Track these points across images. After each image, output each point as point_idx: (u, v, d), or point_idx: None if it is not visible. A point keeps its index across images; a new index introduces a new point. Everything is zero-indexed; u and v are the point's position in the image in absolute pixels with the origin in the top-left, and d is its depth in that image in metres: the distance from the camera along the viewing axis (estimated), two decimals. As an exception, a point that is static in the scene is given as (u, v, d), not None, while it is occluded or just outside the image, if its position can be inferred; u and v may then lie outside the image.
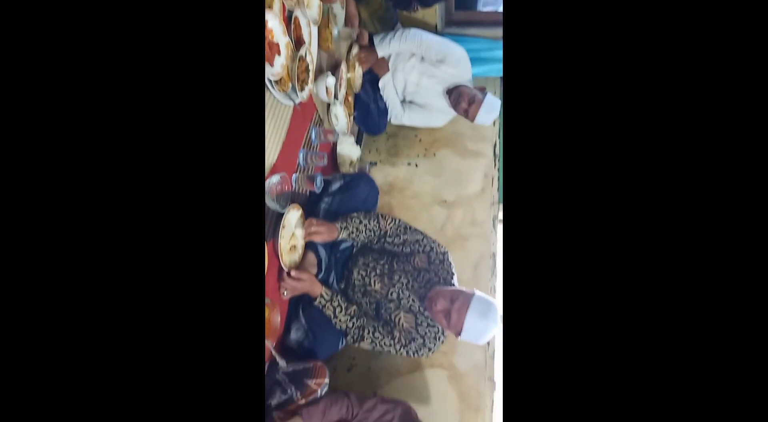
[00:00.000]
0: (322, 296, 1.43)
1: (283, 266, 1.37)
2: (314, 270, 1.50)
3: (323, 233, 1.43)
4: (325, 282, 1.51)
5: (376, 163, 2.22)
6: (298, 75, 1.37)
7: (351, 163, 1.83)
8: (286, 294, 1.39)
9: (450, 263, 1.51)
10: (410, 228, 1.55)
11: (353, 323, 1.44)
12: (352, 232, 1.49)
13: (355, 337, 1.45)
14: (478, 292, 1.36)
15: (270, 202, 1.32)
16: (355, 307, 1.47)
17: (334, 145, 1.80)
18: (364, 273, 1.52)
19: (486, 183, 2.20)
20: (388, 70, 2.02)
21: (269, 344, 1.28)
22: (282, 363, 1.32)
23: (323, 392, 1.37)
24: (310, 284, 1.41)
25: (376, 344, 1.44)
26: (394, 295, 1.47)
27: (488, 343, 1.77)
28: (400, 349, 1.43)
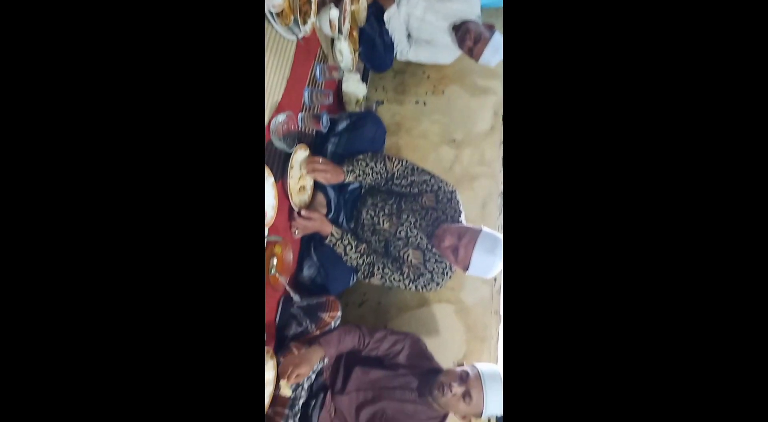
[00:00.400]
0: (332, 235, 1.46)
1: (293, 206, 1.39)
2: (324, 211, 1.53)
3: (328, 172, 1.43)
4: (334, 221, 1.54)
5: (382, 102, 2.17)
6: (300, 7, 1.31)
7: (357, 101, 1.80)
8: (298, 234, 1.43)
9: (458, 202, 1.52)
10: (418, 169, 1.54)
11: (363, 260, 1.48)
12: (359, 175, 1.50)
13: (365, 273, 1.50)
14: (485, 228, 1.37)
15: (277, 142, 1.32)
16: (364, 245, 1.50)
17: (340, 82, 1.75)
18: (372, 213, 1.54)
19: (495, 121, 2.15)
20: (393, 1, 1.92)
21: (283, 280, 1.33)
22: (296, 297, 1.38)
23: (336, 325, 1.44)
24: (320, 223, 1.44)
25: (386, 279, 1.49)
26: (403, 234, 1.50)
27: (495, 279, 1.83)
28: (409, 284, 1.48)
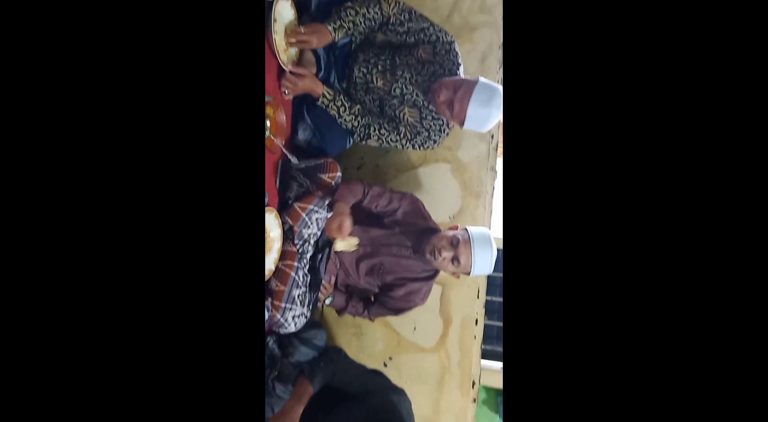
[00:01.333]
0: (324, 96, 1.41)
1: (281, 64, 1.31)
2: (314, 69, 1.44)
3: (313, 37, 1.32)
4: (326, 81, 1.46)
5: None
6: None
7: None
8: (288, 93, 1.37)
9: (456, 53, 1.43)
10: (415, 13, 1.41)
11: (359, 122, 1.45)
12: (349, 29, 1.37)
13: (361, 135, 1.48)
14: (482, 79, 1.31)
15: (255, -12, 1.18)
16: (359, 106, 1.46)
17: None
18: (365, 70, 1.46)
19: (499, -42, 1.90)
20: None
21: (279, 142, 1.32)
22: (294, 159, 1.38)
23: (336, 185, 1.47)
24: (311, 82, 1.38)
25: (382, 140, 1.48)
26: (398, 91, 1.44)
27: (492, 136, 1.82)
28: (406, 144, 1.48)
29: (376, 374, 1.39)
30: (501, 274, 2.31)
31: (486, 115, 1.30)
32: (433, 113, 1.44)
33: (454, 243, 1.39)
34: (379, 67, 1.44)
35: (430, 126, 1.46)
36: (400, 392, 1.32)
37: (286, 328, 1.39)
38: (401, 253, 1.50)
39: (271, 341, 1.46)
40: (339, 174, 1.45)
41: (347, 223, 1.41)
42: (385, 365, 1.85)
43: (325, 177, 1.43)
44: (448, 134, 1.49)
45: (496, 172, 1.84)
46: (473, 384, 1.82)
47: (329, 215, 1.44)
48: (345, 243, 1.45)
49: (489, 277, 1.85)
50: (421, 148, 1.50)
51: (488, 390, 2.35)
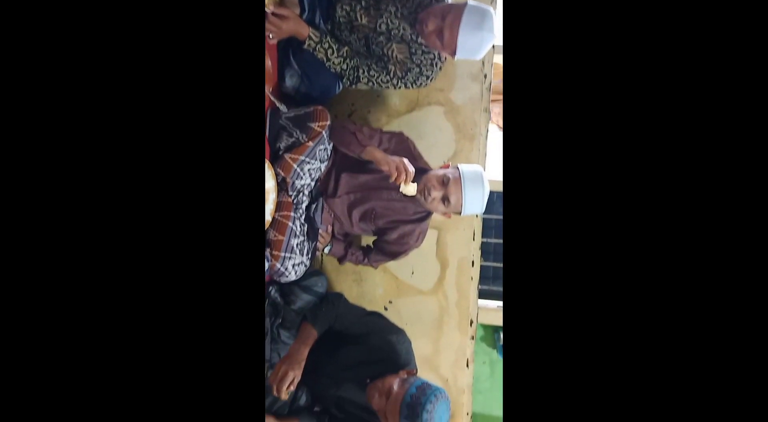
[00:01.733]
0: (310, 38, 1.34)
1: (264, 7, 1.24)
2: (297, 10, 1.37)
3: None
4: (311, 22, 1.39)
5: None
6: None
7: None
8: (273, 37, 1.31)
9: (444, -21, 1.35)
10: None
11: (347, 64, 1.40)
12: None
13: (351, 79, 1.43)
14: (470, 2, 1.24)
15: None
16: (347, 48, 1.40)
17: None
18: (348, 8, 1.38)
19: None
20: None
21: (266, 89, 1.28)
22: (282, 107, 1.35)
23: (328, 134, 1.44)
24: (295, 23, 1.31)
25: (372, 82, 1.43)
26: (383, 27, 1.37)
27: (485, 75, 1.76)
28: (397, 83, 1.43)
29: (376, 315, 1.44)
30: (495, 216, 2.34)
31: (479, 41, 1.23)
32: (423, 47, 1.38)
33: (444, 182, 1.34)
34: (363, 3, 1.37)
35: (421, 61, 1.39)
36: (400, 331, 1.37)
37: (287, 277, 1.42)
38: (392, 196, 1.47)
39: (273, 290, 1.49)
40: (329, 122, 1.41)
41: (405, 160, 1.30)
42: (385, 309, 1.91)
43: (315, 126, 1.39)
44: (440, 68, 1.43)
45: (489, 113, 1.81)
46: (471, 322, 1.89)
47: (324, 165, 1.42)
48: (413, 186, 1.32)
49: (483, 219, 1.87)
50: (414, 85, 1.44)
51: (485, 327, 2.45)
